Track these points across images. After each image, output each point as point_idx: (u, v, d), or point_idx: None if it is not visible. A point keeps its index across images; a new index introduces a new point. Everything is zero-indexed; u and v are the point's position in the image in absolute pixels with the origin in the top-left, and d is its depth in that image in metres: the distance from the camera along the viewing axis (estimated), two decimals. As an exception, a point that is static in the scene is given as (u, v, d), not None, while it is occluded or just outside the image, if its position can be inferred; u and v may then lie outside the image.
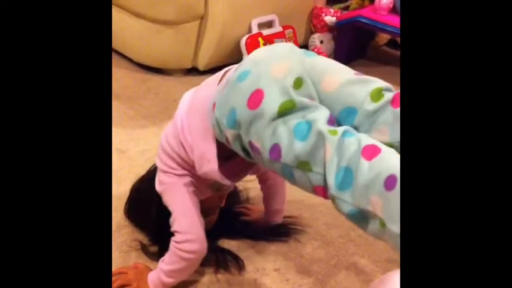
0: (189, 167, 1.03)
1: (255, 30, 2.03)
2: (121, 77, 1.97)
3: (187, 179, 1.04)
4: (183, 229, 1.03)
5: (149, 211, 1.13)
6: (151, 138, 1.60)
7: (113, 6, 1.91)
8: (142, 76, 2.02)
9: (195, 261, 1.06)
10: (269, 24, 2.11)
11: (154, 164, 1.12)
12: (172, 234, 1.05)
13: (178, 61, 2.02)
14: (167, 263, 1.05)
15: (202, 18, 1.95)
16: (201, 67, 2.03)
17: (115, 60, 2.03)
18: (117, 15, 1.95)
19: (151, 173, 1.14)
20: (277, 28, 2.11)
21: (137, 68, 2.05)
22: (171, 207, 1.05)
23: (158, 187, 1.06)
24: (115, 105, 1.75)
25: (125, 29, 1.98)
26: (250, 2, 2.01)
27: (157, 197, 1.07)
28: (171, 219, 1.05)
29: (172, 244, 1.04)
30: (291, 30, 2.15)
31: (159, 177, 1.07)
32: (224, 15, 1.95)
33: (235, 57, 2.02)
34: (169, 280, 1.06)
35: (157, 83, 1.98)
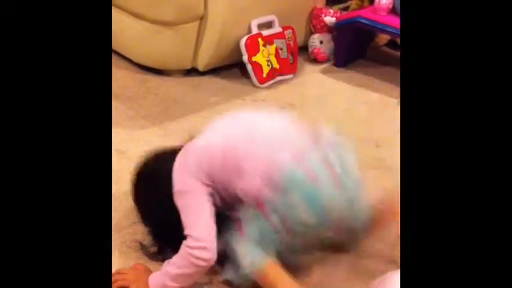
0: (211, 182, 1.08)
1: (254, 30, 2.03)
2: (120, 77, 1.97)
3: (210, 190, 1.07)
4: (199, 236, 1.03)
5: (157, 207, 1.13)
6: (151, 139, 1.59)
7: (112, 7, 1.91)
8: (141, 77, 2.01)
9: (205, 269, 1.06)
10: (269, 25, 2.11)
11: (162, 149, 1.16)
12: (182, 236, 1.04)
13: (177, 62, 2.02)
14: (176, 266, 1.04)
15: (202, 18, 1.95)
16: (200, 68, 2.03)
17: (114, 60, 2.03)
18: (116, 16, 1.95)
19: (162, 159, 1.15)
20: (277, 29, 2.11)
21: (137, 69, 2.05)
22: (189, 210, 1.05)
23: (180, 186, 1.07)
24: (114, 105, 1.74)
25: (125, 30, 1.98)
26: (249, 2, 2.01)
27: (170, 193, 1.07)
28: (186, 222, 1.05)
29: (184, 249, 1.03)
30: (291, 30, 2.15)
31: (183, 178, 1.07)
32: (224, 16, 1.94)
33: (235, 58, 2.02)
34: (174, 285, 1.05)
35: (156, 83, 1.98)
